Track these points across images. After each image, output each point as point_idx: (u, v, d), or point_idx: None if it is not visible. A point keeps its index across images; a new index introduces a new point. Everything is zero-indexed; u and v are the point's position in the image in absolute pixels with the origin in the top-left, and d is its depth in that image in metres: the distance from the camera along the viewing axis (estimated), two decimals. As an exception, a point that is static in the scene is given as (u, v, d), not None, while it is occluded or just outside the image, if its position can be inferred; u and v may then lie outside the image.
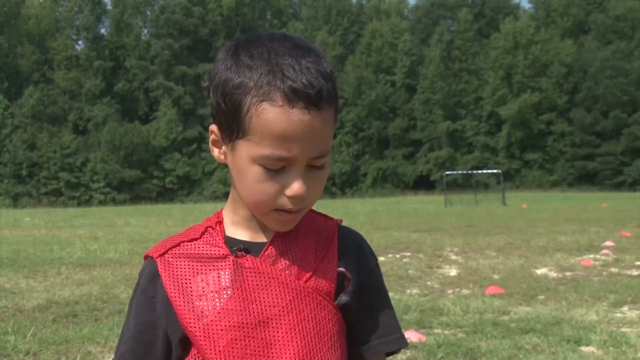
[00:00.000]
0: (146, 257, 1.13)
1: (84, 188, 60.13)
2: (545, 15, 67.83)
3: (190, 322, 1.04)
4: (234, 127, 1.02)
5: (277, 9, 71.33)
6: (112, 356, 1.16)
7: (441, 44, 64.83)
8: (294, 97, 0.97)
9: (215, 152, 1.10)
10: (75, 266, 9.93)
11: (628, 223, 16.37)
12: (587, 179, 58.80)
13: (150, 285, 1.09)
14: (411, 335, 5.15)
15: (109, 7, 68.14)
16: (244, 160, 1.02)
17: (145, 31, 69.63)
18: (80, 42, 67.89)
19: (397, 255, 10.89)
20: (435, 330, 5.48)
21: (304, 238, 1.11)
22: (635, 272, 8.54)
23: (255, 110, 0.98)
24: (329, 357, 1.06)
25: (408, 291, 7.48)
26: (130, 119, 63.68)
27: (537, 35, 62.83)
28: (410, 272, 8.96)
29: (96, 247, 12.80)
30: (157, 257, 1.09)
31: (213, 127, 1.08)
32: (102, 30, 67.98)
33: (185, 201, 59.34)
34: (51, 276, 8.95)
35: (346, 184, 63.82)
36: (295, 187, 1.01)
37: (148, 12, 69.70)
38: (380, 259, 10.43)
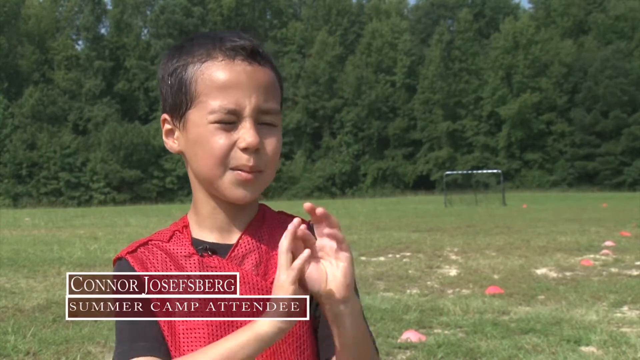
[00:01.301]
0: (115, 260, 1.12)
1: (84, 188, 60.08)
2: (545, 15, 67.83)
3: (160, 320, 1.05)
4: (182, 99, 1.06)
5: (277, 9, 71.30)
6: (112, 355, 1.13)
7: (441, 44, 64.82)
8: (233, 52, 1.04)
9: (169, 142, 1.12)
10: (75, 266, 9.93)
11: (628, 223, 16.37)
12: (587, 179, 58.79)
13: None
14: (411, 335, 5.15)
15: (109, 7, 68.12)
16: (196, 126, 1.05)
17: (145, 31, 69.63)
18: (80, 42, 67.91)
19: (397, 255, 10.89)
20: (435, 330, 5.49)
21: (270, 238, 1.11)
22: (635, 272, 8.54)
23: (200, 72, 1.04)
24: (294, 358, 1.06)
25: (408, 291, 7.49)
26: (130, 119, 63.65)
27: (537, 35, 62.82)
28: (410, 272, 8.96)
29: (96, 247, 12.80)
30: (127, 255, 1.09)
31: (164, 116, 1.11)
32: (102, 30, 67.98)
33: (185, 201, 59.29)
34: (51, 276, 8.95)
35: (346, 184, 63.80)
36: (247, 137, 1.02)
37: (148, 12, 69.69)
38: (380, 258, 10.44)
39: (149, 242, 1.11)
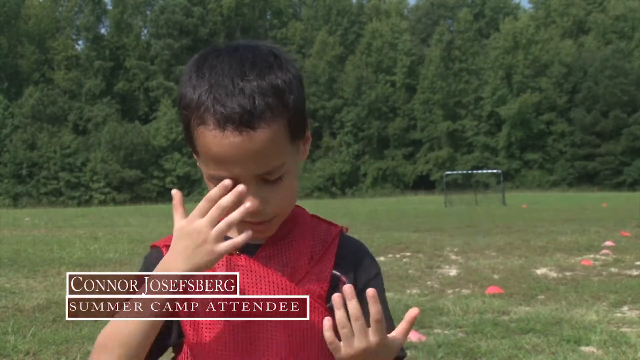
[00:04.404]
0: (153, 246, 1.17)
1: (84, 188, 60.11)
2: (545, 15, 67.84)
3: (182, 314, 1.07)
4: (190, 143, 1.07)
5: (277, 9, 71.31)
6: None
7: (441, 44, 64.83)
8: (223, 120, 0.98)
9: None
10: (75, 266, 9.92)
11: (628, 223, 16.36)
12: (587, 179, 58.80)
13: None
14: (411, 335, 5.15)
15: (109, 7, 68.14)
16: (203, 171, 1.08)
17: (145, 31, 69.64)
18: (80, 42, 67.96)
19: (397, 255, 10.89)
20: (435, 330, 5.49)
21: (300, 242, 1.13)
22: (635, 272, 8.54)
23: (196, 133, 1.02)
24: (318, 357, 1.07)
25: (408, 291, 7.49)
26: (130, 119, 63.67)
27: (537, 35, 62.83)
28: (410, 272, 8.96)
29: (96, 247, 12.80)
30: (164, 247, 1.13)
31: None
32: (102, 30, 68.02)
33: (185, 201, 58.88)
34: (51, 276, 8.95)
35: (346, 184, 63.81)
36: (247, 203, 1.00)
37: (148, 12, 69.70)
38: (380, 258, 10.43)
39: None
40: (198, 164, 1.12)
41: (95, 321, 5.85)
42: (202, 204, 0.99)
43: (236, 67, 1.02)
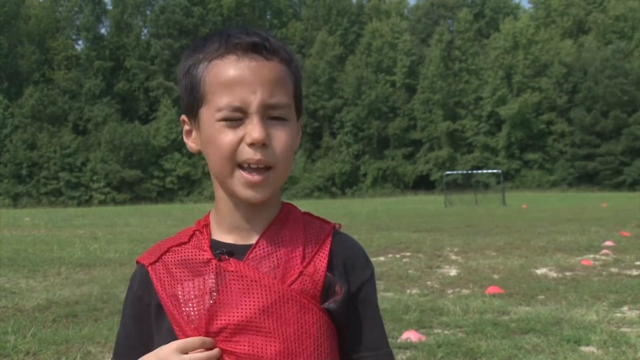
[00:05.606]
0: (138, 262, 1.14)
1: (84, 188, 60.08)
2: (545, 15, 67.83)
3: (177, 328, 1.06)
4: (194, 98, 1.07)
5: (277, 9, 71.30)
6: (112, 356, 1.16)
7: (441, 44, 64.81)
8: (239, 49, 1.04)
9: (189, 142, 1.13)
10: (75, 266, 9.93)
11: (628, 223, 16.37)
12: (587, 179, 58.78)
13: (145, 292, 1.11)
14: (411, 335, 5.15)
15: (109, 7, 68.12)
16: (206, 124, 1.06)
17: (145, 31, 69.61)
18: (80, 42, 67.91)
19: (397, 255, 10.89)
20: (435, 330, 5.49)
21: (291, 240, 1.10)
22: (635, 272, 8.54)
23: (207, 70, 1.05)
24: (312, 356, 1.05)
25: (408, 291, 7.49)
26: (130, 119, 63.65)
27: (537, 35, 62.82)
28: (410, 272, 8.96)
29: (96, 247, 12.80)
30: (149, 265, 1.11)
31: (182, 117, 1.13)
32: (102, 30, 67.98)
33: (185, 201, 59.32)
34: (51, 276, 8.95)
35: (346, 184, 63.79)
36: (253, 132, 1.02)
37: (148, 12, 69.67)
38: (380, 258, 10.43)
39: (170, 249, 1.12)
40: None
41: (95, 321, 5.86)
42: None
43: (244, 27, 1.08)
